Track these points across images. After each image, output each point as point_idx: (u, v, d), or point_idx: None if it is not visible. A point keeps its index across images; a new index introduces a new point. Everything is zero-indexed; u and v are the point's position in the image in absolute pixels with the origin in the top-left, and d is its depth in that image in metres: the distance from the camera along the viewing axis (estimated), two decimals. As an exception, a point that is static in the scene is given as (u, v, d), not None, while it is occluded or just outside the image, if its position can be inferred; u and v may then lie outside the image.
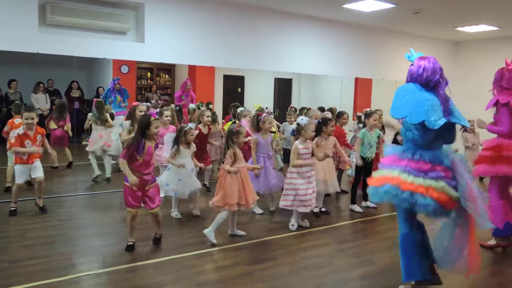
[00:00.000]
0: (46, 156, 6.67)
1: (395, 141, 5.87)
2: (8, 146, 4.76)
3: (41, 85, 7.98)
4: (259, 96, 8.65)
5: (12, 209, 4.80)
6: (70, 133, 6.77)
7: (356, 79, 9.37)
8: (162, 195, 5.62)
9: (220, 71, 8.16)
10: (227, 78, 8.63)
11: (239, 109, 6.22)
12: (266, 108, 6.88)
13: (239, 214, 4.46)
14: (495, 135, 4.11)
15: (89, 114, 6.54)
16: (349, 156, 5.56)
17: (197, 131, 5.13)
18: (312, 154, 4.59)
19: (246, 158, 4.72)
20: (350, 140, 6.49)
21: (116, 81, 7.12)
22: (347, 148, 5.90)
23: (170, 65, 8.61)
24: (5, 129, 5.60)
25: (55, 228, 4.44)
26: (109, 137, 6.35)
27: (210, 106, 7.46)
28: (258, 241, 4.25)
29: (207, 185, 6.14)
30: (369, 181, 3.07)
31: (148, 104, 6.47)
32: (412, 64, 3.00)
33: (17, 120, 5.48)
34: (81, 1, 5.80)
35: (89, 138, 6.46)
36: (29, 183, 5.34)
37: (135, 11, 6.35)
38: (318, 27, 8.12)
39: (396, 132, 5.27)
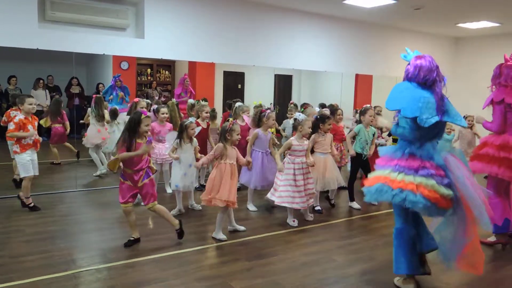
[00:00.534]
0: (48, 152, 6.70)
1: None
2: (7, 132, 4.69)
3: (41, 81, 7.96)
4: (259, 93, 8.64)
5: (30, 205, 4.78)
6: (68, 130, 6.79)
7: (357, 76, 9.36)
8: (169, 191, 5.68)
9: (220, 67, 8.14)
10: (228, 75, 8.61)
11: (237, 104, 6.18)
12: (271, 104, 6.84)
13: (237, 210, 4.46)
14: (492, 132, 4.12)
15: (89, 110, 6.58)
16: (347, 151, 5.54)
17: (199, 128, 5.11)
18: (313, 151, 4.58)
19: (244, 154, 4.73)
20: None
21: (117, 78, 7.13)
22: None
23: (170, 61, 8.58)
24: (4, 119, 5.57)
25: (56, 223, 4.46)
26: (105, 132, 6.45)
27: (206, 102, 7.42)
28: (258, 237, 4.26)
29: (204, 184, 6.12)
30: (363, 182, 3.12)
31: (149, 101, 6.48)
32: (408, 64, 3.02)
33: (12, 113, 5.29)
34: (81, -4, 5.80)
35: (86, 132, 6.49)
36: (15, 181, 5.44)
37: (135, 7, 6.33)
38: (318, 24, 8.10)
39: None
